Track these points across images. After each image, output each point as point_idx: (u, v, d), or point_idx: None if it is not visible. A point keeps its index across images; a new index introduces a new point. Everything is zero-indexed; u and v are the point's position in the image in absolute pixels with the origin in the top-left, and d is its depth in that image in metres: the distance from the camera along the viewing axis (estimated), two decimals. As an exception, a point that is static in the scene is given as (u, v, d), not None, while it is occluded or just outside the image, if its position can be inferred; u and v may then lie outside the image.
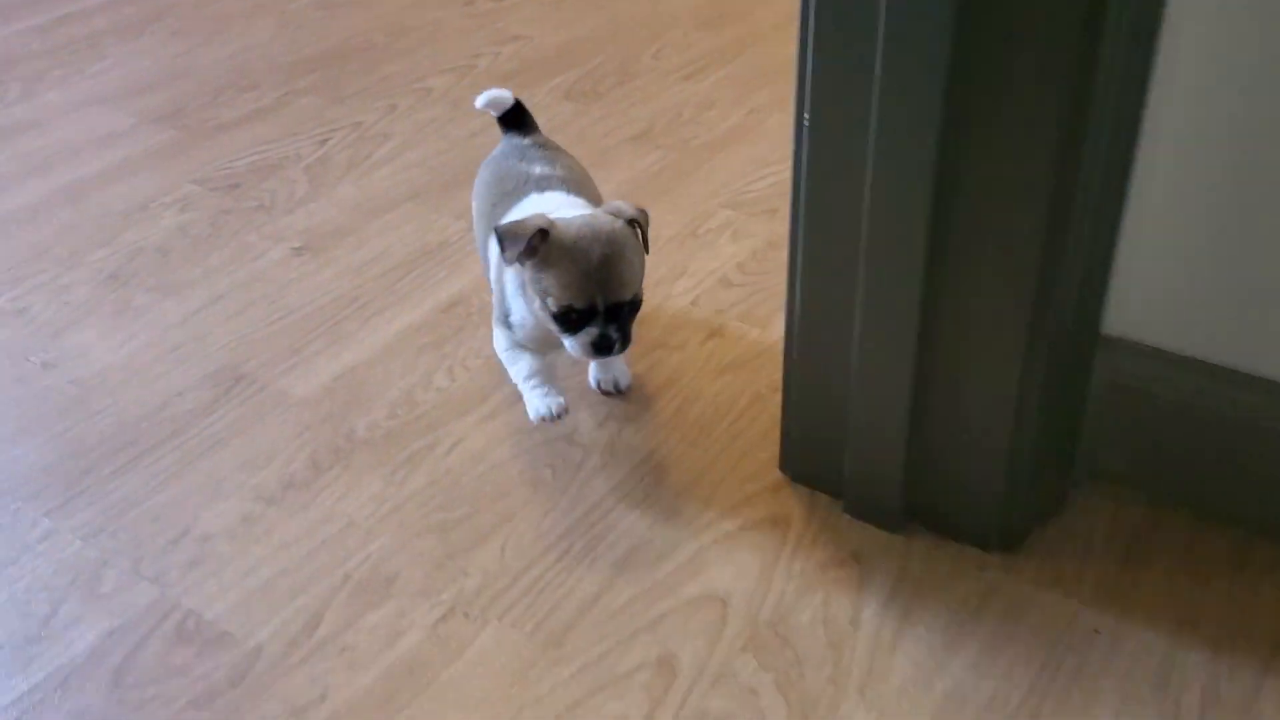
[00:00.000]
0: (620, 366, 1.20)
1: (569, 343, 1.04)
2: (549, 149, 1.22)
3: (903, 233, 0.88)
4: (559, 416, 1.07)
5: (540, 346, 1.11)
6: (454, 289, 1.36)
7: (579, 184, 1.16)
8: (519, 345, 1.12)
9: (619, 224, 1.04)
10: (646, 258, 1.06)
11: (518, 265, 1.03)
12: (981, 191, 0.85)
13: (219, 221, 1.51)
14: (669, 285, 1.35)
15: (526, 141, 1.23)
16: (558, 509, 1.06)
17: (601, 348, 1.03)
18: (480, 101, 1.25)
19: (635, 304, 1.05)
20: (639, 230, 1.06)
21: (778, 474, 1.09)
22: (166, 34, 2.10)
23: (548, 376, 1.11)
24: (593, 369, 1.20)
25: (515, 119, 1.25)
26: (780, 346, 1.05)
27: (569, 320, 1.02)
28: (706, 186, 1.55)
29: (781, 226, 1.40)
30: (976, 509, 0.99)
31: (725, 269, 1.38)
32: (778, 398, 1.09)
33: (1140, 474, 1.04)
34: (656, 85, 1.84)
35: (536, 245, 1.01)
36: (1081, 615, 0.93)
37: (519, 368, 1.11)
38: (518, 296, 1.08)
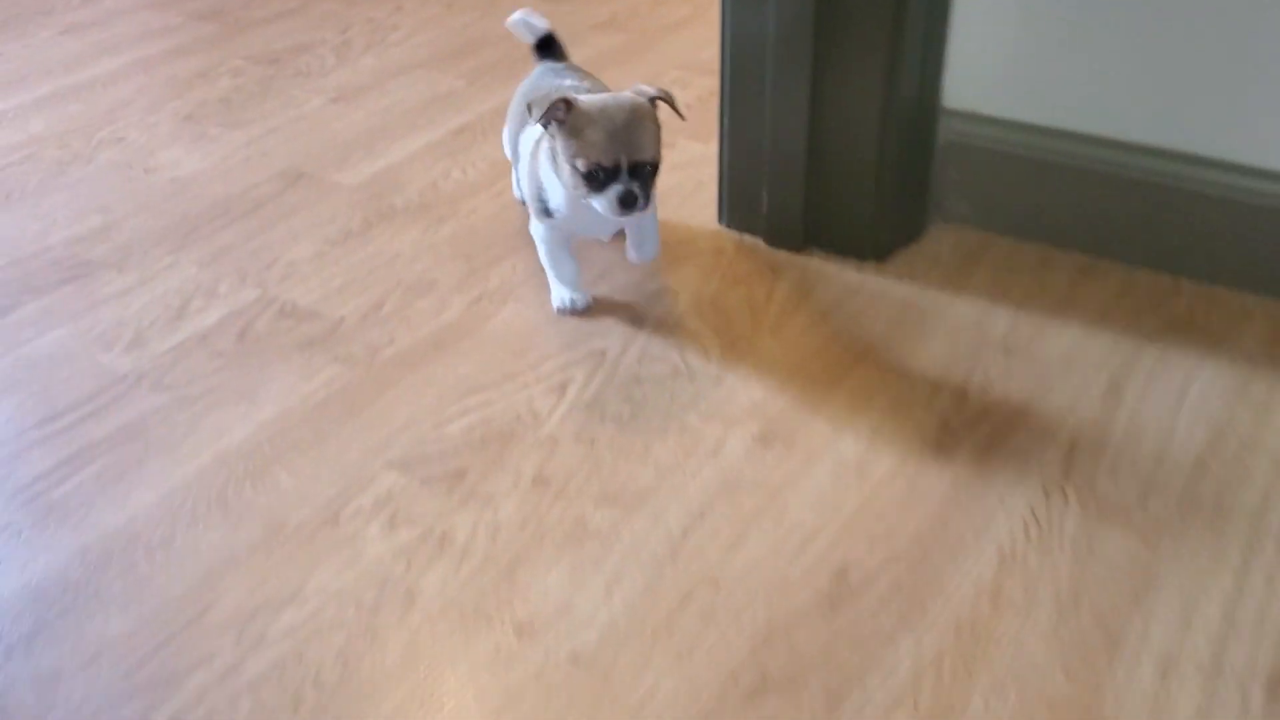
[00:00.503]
0: (651, 243, 1.32)
1: (598, 201, 1.16)
2: (580, 72, 1.37)
3: (796, 43, 1.27)
4: (578, 309, 1.28)
5: (579, 225, 1.25)
6: (463, 120, 1.73)
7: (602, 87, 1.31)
8: (559, 243, 1.28)
9: (639, 98, 1.18)
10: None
11: (550, 139, 1.18)
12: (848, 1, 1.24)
13: (266, 83, 1.88)
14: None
15: (560, 65, 1.39)
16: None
17: (627, 202, 1.15)
18: (512, 21, 1.41)
19: (654, 166, 1.18)
20: (664, 103, 1.19)
21: (717, 226, 1.47)
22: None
23: (576, 281, 1.30)
24: (629, 245, 1.33)
25: (548, 46, 1.42)
26: (716, 152, 1.44)
27: (597, 179, 1.15)
28: (661, 57, 1.93)
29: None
30: (854, 231, 1.38)
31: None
32: (715, 183, 1.47)
33: (977, 213, 1.43)
34: (618, -8, 2.23)
35: (563, 114, 1.15)
36: (926, 295, 1.32)
37: (558, 271, 1.29)
38: (551, 175, 1.21)
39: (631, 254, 1.33)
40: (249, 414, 1.15)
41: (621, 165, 1.15)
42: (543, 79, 1.35)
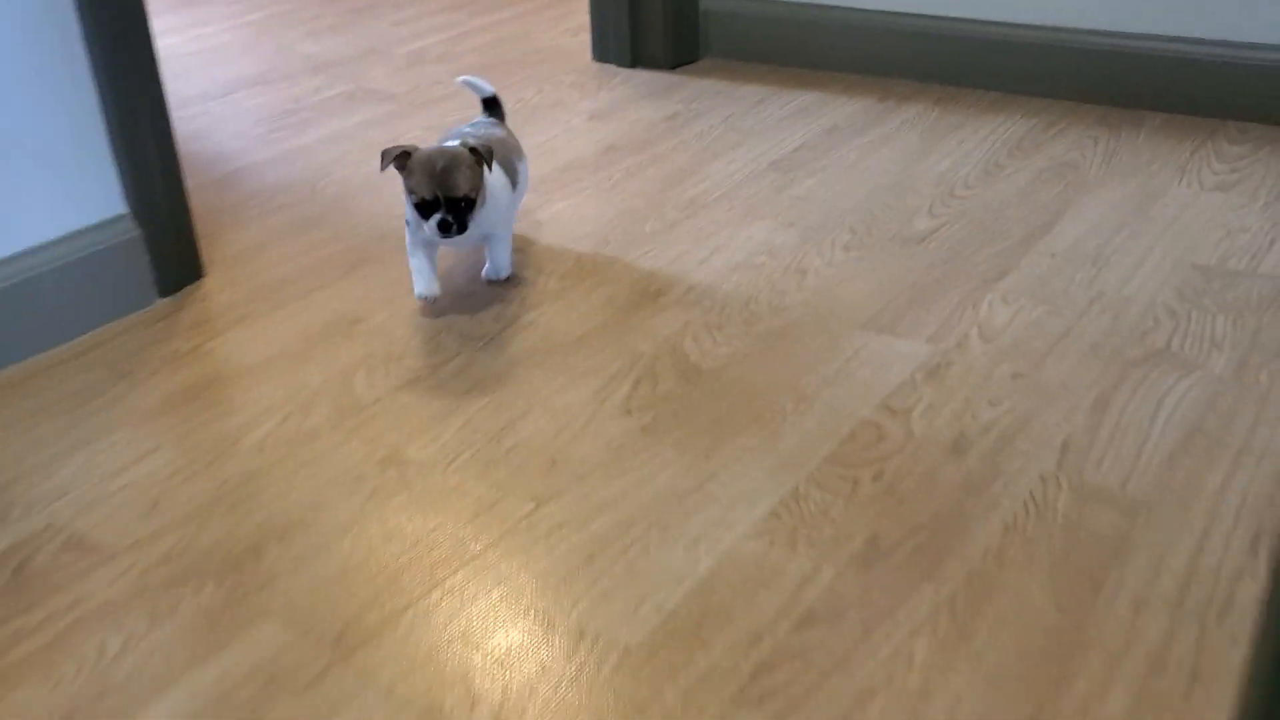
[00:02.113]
0: (503, 261, 1.65)
1: (426, 226, 1.51)
2: (491, 126, 1.71)
3: None
4: (430, 299, 1.58)
5: (434, 237, 1.53)
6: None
7: (484, 142, 1.56)
8: (417, 243, 1.57)
9: (460, 149, 1.49)
10: (488, 172, 1.53)
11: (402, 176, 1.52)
12: None
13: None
14: None
15: (489, 120, 1.75)
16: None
17: (443, 228, 1.49)
18: (460, 80, 1.82)
19: (469, 200, 1.49)
20: (480, 156, 1.50)
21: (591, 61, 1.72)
22: None
23: (430, 270, 1.58)
24: (486, 269, 1.66)
25: (493, 105, 1.79)
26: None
27: (423, 208, 1.50)
28: None
29: None
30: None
31: None
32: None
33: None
34: None
35: (402, 161, 1.50)
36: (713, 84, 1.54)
37: (417, 267, 1.58)
38: (408, 203, 1.52)
39: (486, 271, 1.66)
40: None
41: (439, 199, 1.49)
42: (469, 126, 1.71)
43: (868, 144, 2.14)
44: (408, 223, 1.58)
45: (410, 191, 1.51)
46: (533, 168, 2.11)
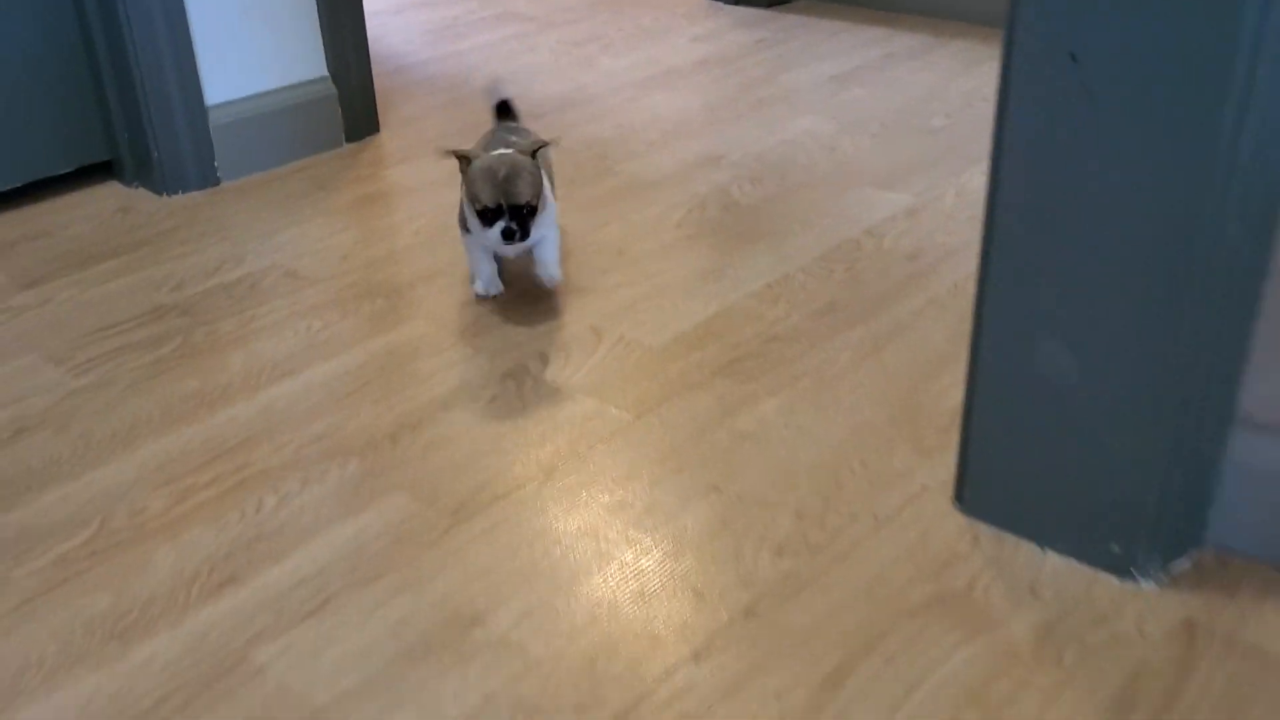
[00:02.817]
0: (552, 269, 1.59)
1: (489, 233, 1.48)
2: (524, 130, 1.67)
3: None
4: (491, 295, 1.61)
5: (488, 243, 1.53)
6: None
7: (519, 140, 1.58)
8: (477, 251, 1.60)
9: (520, 155, 1.48)
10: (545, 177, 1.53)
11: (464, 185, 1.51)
12: None
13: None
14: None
15: (512, 125, 1.72)
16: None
17: (507, 235, 1.47)
18: (486, 91, 1.92)
19: (531, 208, 1.47)
20: (536, 157, 1.49)
21: None
22: (452, -4, 3.33)
23: (491, 268, 1.61)
24: (537, 270, 1.61)
25: (505, 109, 1.79)
26: None
27: (485, 215, 1.47)
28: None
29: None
30: None
31: (787, 94, 2.49)
32: None
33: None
34: None
35: (463, 168, 1.50)
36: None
37: (475, 269, 1.62)
38: (466, 208, 1.52)
39: (538, 274, 1.61)
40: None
41: (503, 206, 1.47)
42: (494, 134, 1.65)
43: (914, 66, 2.60)
44: (464, 227, 1.59)
45: (473, 199, 1.48)
46: (639, 72, 2.63)
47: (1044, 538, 1.15)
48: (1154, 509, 1.06)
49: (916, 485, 1.24)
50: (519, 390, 1.44)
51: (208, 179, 2.07)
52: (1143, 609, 1.07)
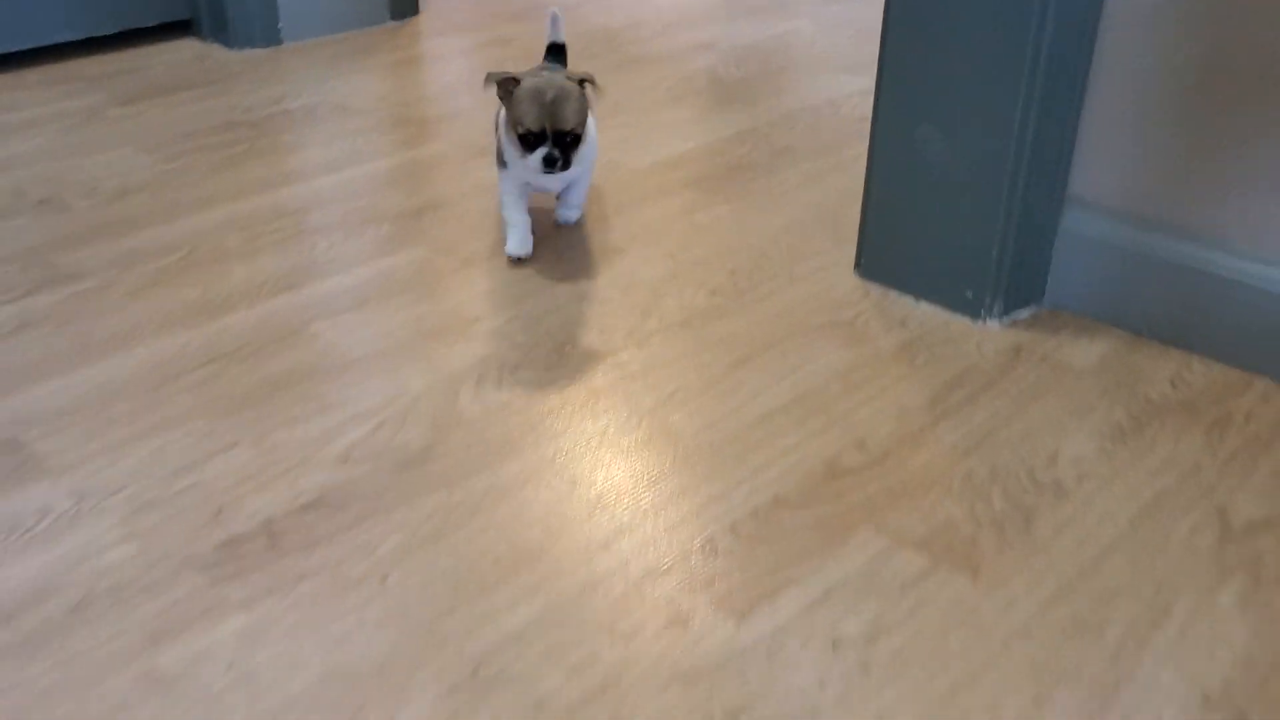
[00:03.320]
0: (576, 212, 1.62)
1: (530, 159, 1.42)
2: (557, 69, 1.57)
3: None
4: (521, 255, 1.53)
5: (527, 176, 1.49)
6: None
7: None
8: (515, 194, 1.53)
9: (568, 81, 1.42)
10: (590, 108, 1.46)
11: (502, 106, 1.46)
12: None
13: None
14: None
15: (557, 67, 1.61)
16: (686, 52, 2.51)
17: (549, 161, 1.40)
18: (550, 14, 1.70)
19: (575, 136, 1.41)
20: (587, 85, 1.43)
21: None
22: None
23: (526, 226, 1.54)
24: (558, 206, 1.63)
25: (558, 51, 1.69)
26: None
27: (528, 140, 1.41)
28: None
29: None
30: None
31: None
32: None
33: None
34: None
35: (511, 88, 1.42)
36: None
37: (512, 220, 1.54)
38: (505, 138, 1.48)
39: (559, 213, 1.62)
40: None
41: (547, 132, 1.41)
42: (537, 71, 1.53)
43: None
44: (502, 163, 1.53)
45: (517, 122, 1.42)
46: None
47: (917, 290, 1.48)
48: (998, 263, 1.39)
49: (828, 259, 1.57)
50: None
51: (272, 39, 2.42)
52: (984, 337, 1.40)
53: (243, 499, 1.10)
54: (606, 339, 1.38)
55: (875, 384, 1.30)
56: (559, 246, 1.61)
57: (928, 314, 1.44)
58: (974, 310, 1.43)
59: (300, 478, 1.13)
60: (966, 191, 1.38)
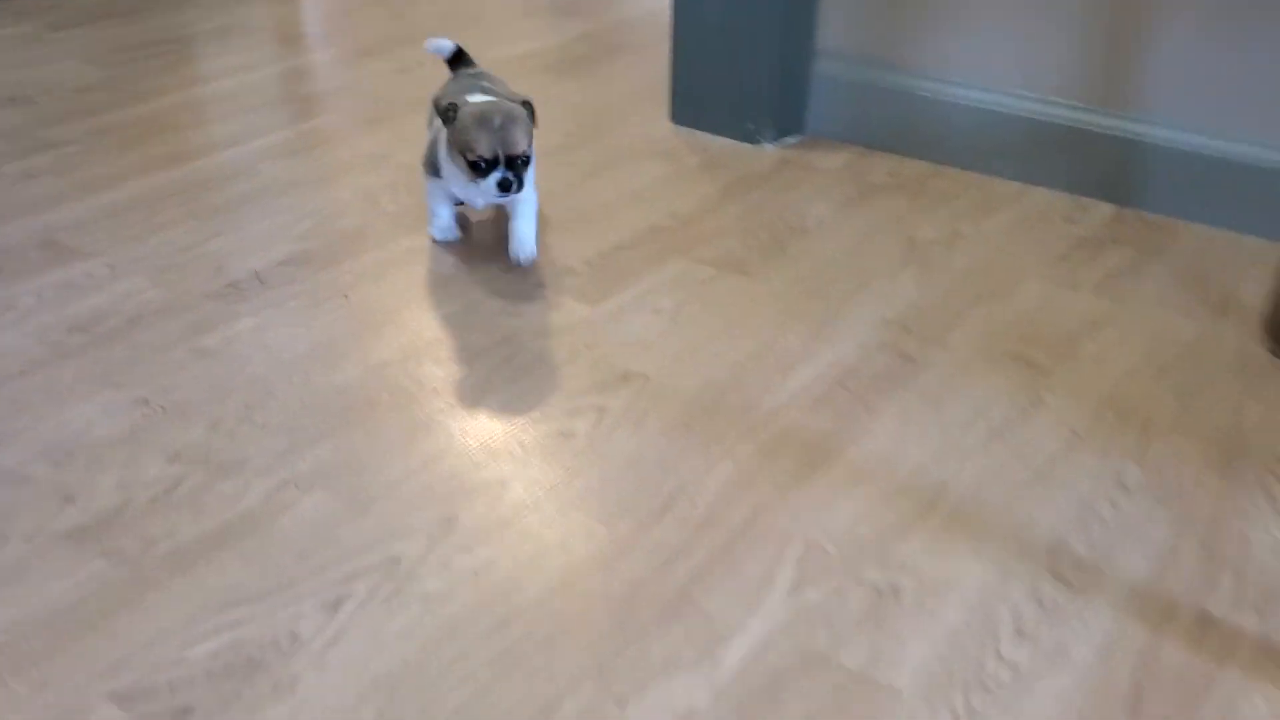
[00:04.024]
0: (530, 247, 1.52)
1: (483, 185, 1.42)
2: (486, 75, 1.63)
3: None
4: (447, 240, 1.59)
5: (459, 191, 1.51)
6: None
7: (496, 89, 1.55)
8: (440, 197, 1.56)
9: (510, 103, 1.44)
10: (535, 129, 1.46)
11: (446, 130, 1.44)
12: None
13: None
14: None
15: (472, 70, 1.66)
16: None
17: (504, 186, 1.41)
18: (428, 45, 1.71)
19: (526, 159, 1.42)
20: (528, 110, 1.44)
21: None
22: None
23: (449, 225, 1.59)
24: (510, 246, 1.52)
25: (460, 58, 1.70)
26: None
27: (479, 167, 1.41)
28: None
29: None
30: None
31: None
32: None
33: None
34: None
35: (453, 115, 1.42)
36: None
37: (436, 213, 1.59)
38: (447, 159, 1.47)
39: (512, 251, 1.52)
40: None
41: (500, 157, 1.41)
42: (454, 83, 1.60)
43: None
44: (431, 173, 1.54)
45: (465, 149, 1.41)
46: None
47: (713, 128, 1.99)
48: (768, 103, 1.91)
49: (649, 116, 2.08)
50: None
51: (174, -22, 2.81)
52: (761, 156, 1.92)
53: (235, 261, 1.55)
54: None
55: (684, 185, 1.81)
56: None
57: (721, 143, 1.96)
58: (753, 138, 1.96)
59: (274, 249, 1.58)
60: (741, 50, 1.90)
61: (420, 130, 1.89)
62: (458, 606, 1.00)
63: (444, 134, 1.47)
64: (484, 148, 1.40)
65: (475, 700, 0.92)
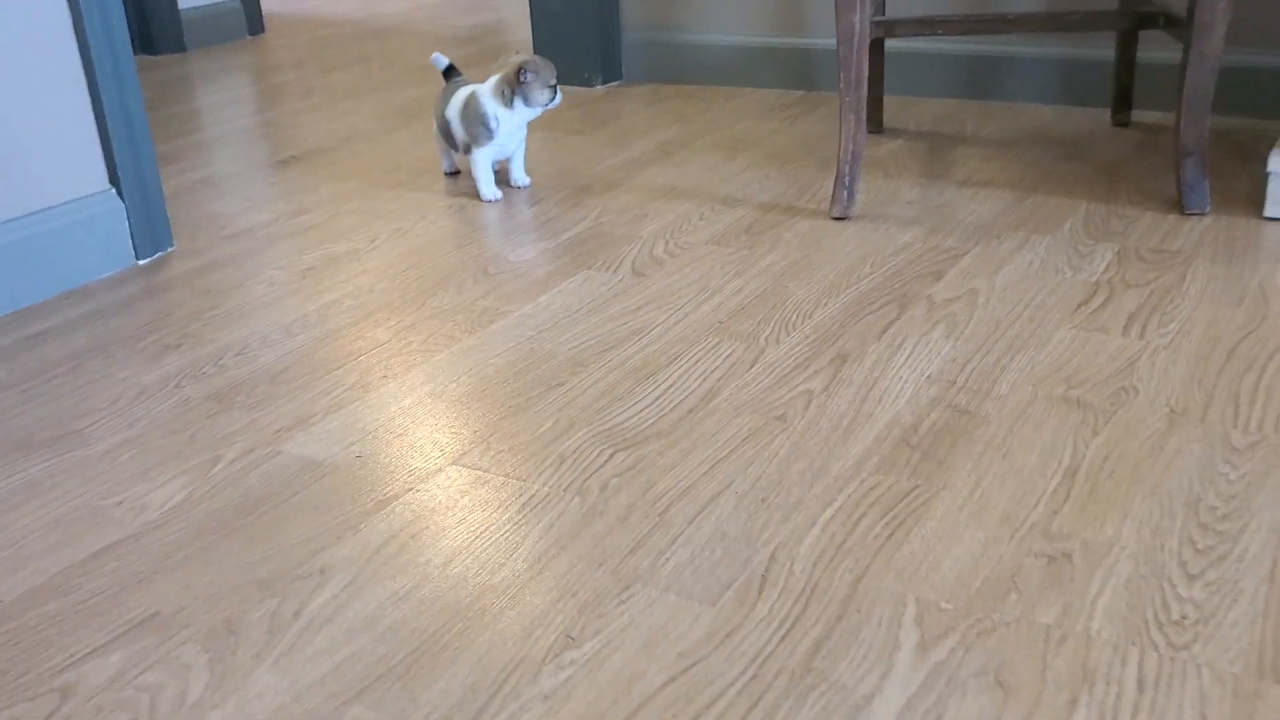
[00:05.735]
0: (524, 176, 2.34)
1: (556, 99, 2.19)
2: (466, 80, 2.29)
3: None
4: (496, 199, 2.24)
5: (505, 139, 2.23)
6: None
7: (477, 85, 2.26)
8: (489, 165, 2.24)
9: (529, 59, 2.17)
10: None
11: (521, 86, 2.16)
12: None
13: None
14: None
15: (459, 78, 2.32)
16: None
17: (556, 97, 2.19)
18: (433, 59, 2.41)
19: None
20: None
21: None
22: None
23: (495, 188, 2.25)
24: (512, 176, 2.33)
25: (452, 70, 2.36)
26: None
27: (554, 88, 2.18)
28: None
29: None
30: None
31: None
32: None
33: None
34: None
35: (524, 71, 2.15)
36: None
37: (487, 179, 2.25)
38: (507, 108, 2.19)
39: (514, 179, 2.34)
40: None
41: (555, 85, 2.20)
42: (452, 85, 2.29)
43: None
44: (486, 140, 2.21)
45: (544, 82, 2.17)
46: None
47: (568, 80, 3.10)
48: (596, 59, 3.06)
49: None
50: None
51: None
52: (596, 95, 3.06)
53: (289, 141, 2.40)
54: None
55: (553, 118, 2.58)
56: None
57: (574, 89, 3.11)
58: (590, 84, 3.13)
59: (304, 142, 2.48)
60: (575, 28, 3.04)
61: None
62: (581, 706, 0.98)
63: (488, 104, 2.20)
64: (552, 77, 2.20)
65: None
